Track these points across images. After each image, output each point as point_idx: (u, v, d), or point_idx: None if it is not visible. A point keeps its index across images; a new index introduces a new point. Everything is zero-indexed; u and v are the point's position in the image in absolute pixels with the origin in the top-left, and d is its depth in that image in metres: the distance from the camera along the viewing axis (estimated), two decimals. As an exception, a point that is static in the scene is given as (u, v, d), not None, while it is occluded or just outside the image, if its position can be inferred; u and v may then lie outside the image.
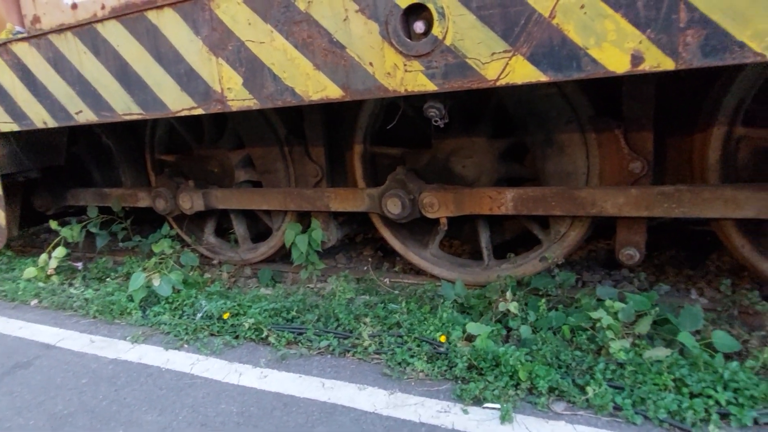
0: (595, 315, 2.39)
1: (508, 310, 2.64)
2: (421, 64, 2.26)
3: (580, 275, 3.29)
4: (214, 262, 4.17)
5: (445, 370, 2.34)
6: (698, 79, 2.57)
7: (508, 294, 2.69)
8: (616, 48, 1.94)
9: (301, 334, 2.79)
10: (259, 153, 3.76)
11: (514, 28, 2.07)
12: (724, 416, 1.89)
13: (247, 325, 2.87)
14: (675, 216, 2.53)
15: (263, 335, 2.83)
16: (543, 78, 2.07)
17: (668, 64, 1.88)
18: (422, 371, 2.36)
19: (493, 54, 2.13)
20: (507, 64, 2.12)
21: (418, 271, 3.50)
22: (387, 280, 3.44)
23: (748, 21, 1.74)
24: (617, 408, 2.00)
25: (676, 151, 2.79)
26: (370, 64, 2.36)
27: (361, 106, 3.36)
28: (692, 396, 1.97)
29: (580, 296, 2.70)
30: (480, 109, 3.12)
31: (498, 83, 2.15)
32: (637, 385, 2.06)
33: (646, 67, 1.91)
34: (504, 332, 2.62)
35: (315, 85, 2.50)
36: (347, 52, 2.39)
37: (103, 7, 3.01)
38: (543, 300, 2.67)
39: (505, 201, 2.87)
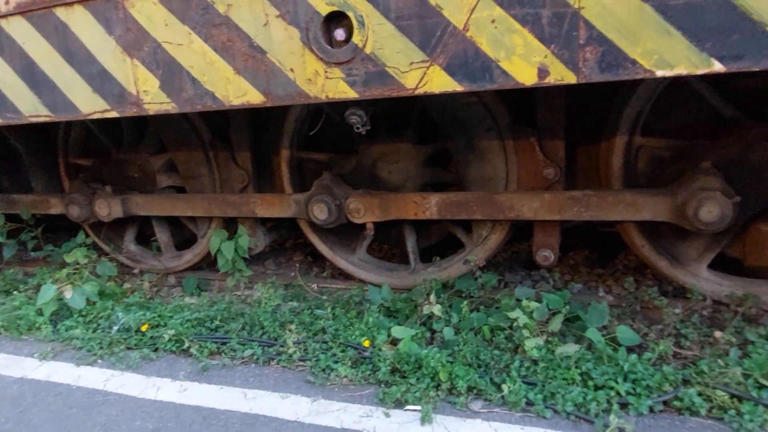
0: (512, 315, 2.50)
1: (432, 313, 2.70)
2: (341, 72, 2.28)
3: (502, 276, 3.42)
4: (135, 271, 3.99)
5: (369, 375, 2.37)
6: (604, 91, 2.75)
7: (432, 297, 2.76)
8: (525, 61, 2.05)
9: (224, 343, 2.72)
10: (183, 157, 3.64)
11: (431, 39, 2.13)
12: (624, 406, 2.03)
13: (167, 337, 2.76)
14: (584, 219, 2.70)
15: (184, 347, 2.74)
16: (459, 88, 2.14)
17: (570, 78, 2.00)
18: (346, 377, 2.37)
19: (411, 63, 2.18)
20: (425, 73, 2.18)
21: (348, 276, 3.51)
22: (315, 285, 3.43)
23: (639, 39, 1.89)
24: (529, 403, 2.10)
25: (586, 159, 2.97)
26: (291, 69, 2.36)
27: (288, 111, 3.33)
28: (596, 388, 2.10)
29: (501, 297, 2.81)
30: (405, 115, 3.18)
31: (417, 92, 2.21)
32: (549, 381, 2.17)
33: (551, 80, 2.03)
34: (428, 335, 2.68)
35: (236, 90, 2.46)
36: (268, 57, 2.37)
37: (7, 2, 2.81)
38: (466, 302, 2.76)
39: (430, 206, 2.94)
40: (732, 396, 1.97)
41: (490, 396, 2.15)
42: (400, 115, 3.19)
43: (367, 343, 2.50)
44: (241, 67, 2.42)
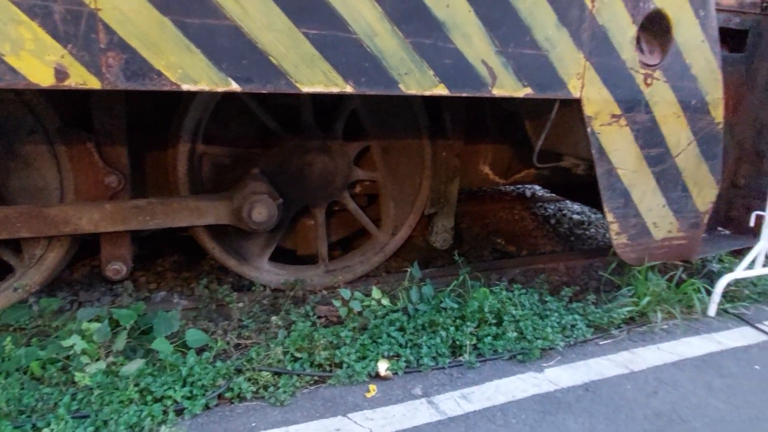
0: (67, 342, 2.22)
1: (-44, 362, 2.15)
2: None
3: (77, 296, 3.05)
4: None
5: None
6: (169, 98, 2.72)
7: (-46, 342, 2.20)
8: (37, 59, 1.80)
9: None
10: None
11: None
12: (180, 412, 2.05)
13: None
14: (151, 227, 2.64)
15: None
16: (-54, 83, 1.73)
17: (95, 83, 1.88)
18: None
19: None
20: None
21: None
22: None
23: (163, 52, 1.92)
24: (79, 440, 1.90)
25: (154, 166, 2.92)
26: None
27: None
28: (155, 401, 2.06)
29: (62, 322, 2.47)
30: None
31: None
32: (104, 408, 2.01)
33: (72, 83, 1.86)
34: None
35: None
36: None
37: None
38: (10, 337, 2.30)
39: (-48, 226, 2.33)
40: (274, 374, 2.26)
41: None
42: None
43: None
44: None
